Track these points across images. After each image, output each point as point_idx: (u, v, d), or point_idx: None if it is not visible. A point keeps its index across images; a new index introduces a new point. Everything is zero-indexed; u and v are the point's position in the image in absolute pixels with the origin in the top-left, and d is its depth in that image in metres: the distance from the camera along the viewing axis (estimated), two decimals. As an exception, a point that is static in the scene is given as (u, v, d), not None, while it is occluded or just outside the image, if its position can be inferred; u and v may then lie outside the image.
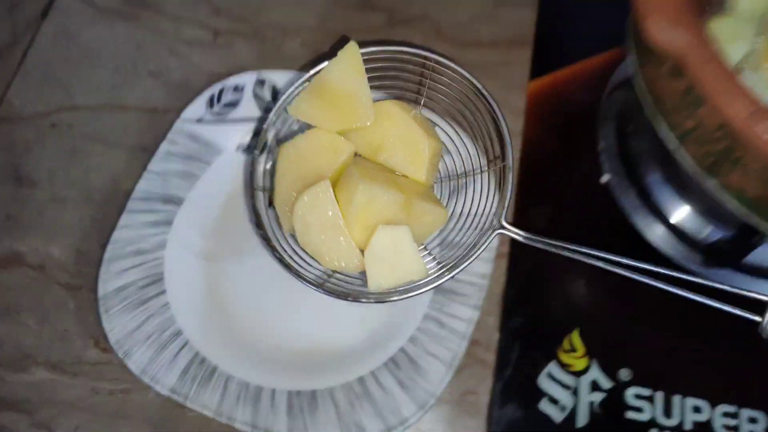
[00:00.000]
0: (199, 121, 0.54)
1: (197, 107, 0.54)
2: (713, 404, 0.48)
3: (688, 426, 0.47)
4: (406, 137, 0.45)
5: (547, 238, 0.46)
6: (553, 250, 0.45)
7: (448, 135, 0.51)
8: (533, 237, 0.46)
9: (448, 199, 0.50)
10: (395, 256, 0.42)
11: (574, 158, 0.57)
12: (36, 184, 0.55)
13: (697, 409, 0.48)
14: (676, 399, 0.48)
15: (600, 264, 0.44)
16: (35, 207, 0.54)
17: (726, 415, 0.48)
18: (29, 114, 0.57)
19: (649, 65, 0.41)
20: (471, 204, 0.49)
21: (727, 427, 0.47)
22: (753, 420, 0.48)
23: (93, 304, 0.50)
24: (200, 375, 0.47)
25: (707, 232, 0.53)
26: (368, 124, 0.45)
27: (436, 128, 0.50)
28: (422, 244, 0.49)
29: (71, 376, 0.49)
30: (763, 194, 0.38)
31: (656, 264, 0.42)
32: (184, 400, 0.46)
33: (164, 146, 0.52)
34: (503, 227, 0.46)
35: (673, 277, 0.43)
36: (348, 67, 0.45)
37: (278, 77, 0.54)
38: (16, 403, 0.48)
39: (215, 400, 0.46)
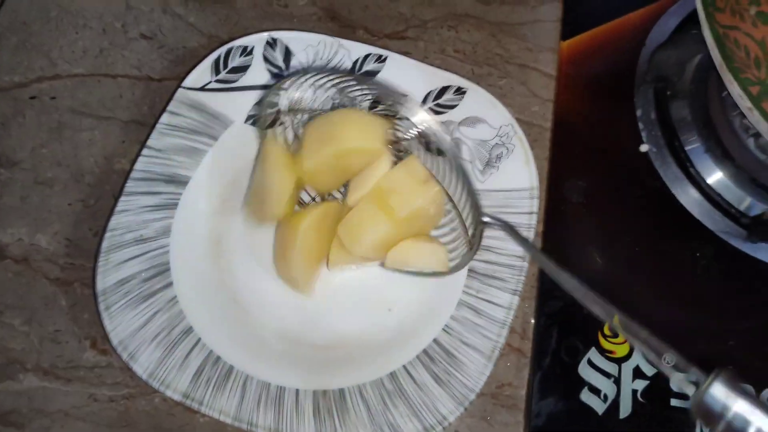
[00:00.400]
0: (204, 88, 0.48)
1: (201, 73, 0.48)
2: (759, 389, 0.45)
3: (736, 412, 0.44)
4: (341, 161, 0.45)
5: (523, 239, 0.43)
6: (528, 252, 0.44)
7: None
8: (515, 232, 0.44)
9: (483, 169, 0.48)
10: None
11: (611, 126, 0.53)
12: (17, 164, 0.49)
13: (744, 395, 0.45)
14: (723, 384, 0.45)
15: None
16: (17, 191, 0.49)
17: (774, 399, 0.45)
18: (5, 85, 0.51)
19: (724, 12, 0.37)
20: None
21: (776, 412, 0.45)
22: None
23: (88, 300, 0.45)
24: (215, 377, 0.42)
25: (747, 203, 0.50)
26: (281, 216, 0.45)
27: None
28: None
29: (65, 382, 0.44)
30: None
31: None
32: (199, 405, 0.41)
33: (165, 118, 0.47)
34: (484, 222, 0.44)
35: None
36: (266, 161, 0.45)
37: (291, 38, 0.49)
38: (4, 415, 0.43)
39: (233, 404, 0.42)
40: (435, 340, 0.44)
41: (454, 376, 0.43)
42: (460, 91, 0.49)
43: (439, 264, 0.45)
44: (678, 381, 0.36)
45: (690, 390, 0.35)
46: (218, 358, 0.43)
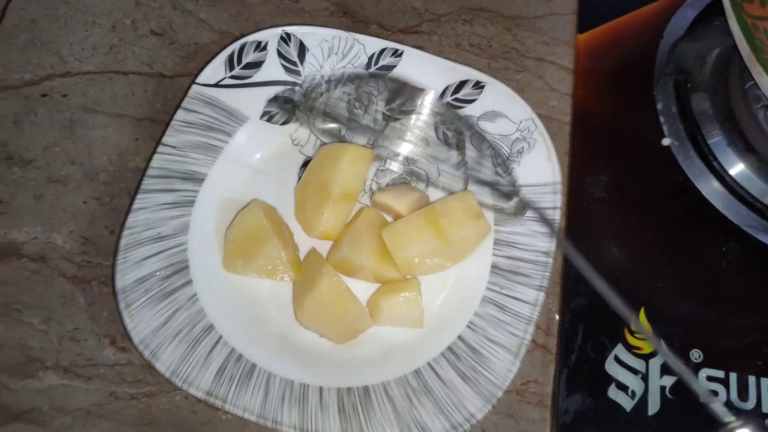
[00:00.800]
0: (218, 84, 0.50)
1: (215, 69, 0.50)
2: (787, 383, 0.47)
3: (765, 408, 0.47)
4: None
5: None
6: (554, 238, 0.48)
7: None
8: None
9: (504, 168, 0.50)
10: None
11: (632, 119, 0.55)
12: (30, 163, 0.51)
13: (773, 390, 0.47)
14: (751, 380, 0.47)
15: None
16: (31, 189, 0.50)
17: (804, 394, 0.47)
18: (15, 83, 0.53)
19: (753, 2, 0.39)
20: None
21: (806, 408, 0.46)
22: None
23: (106, 298, 0.47)
24: (238, 374, 0.44)
25: (772, 196, 0.52)
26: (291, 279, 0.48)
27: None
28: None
29: (86, 380, 0.46)
30: None
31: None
32: (222, 403, 0.43)
33: (179, 115, 0.49)
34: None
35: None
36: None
37: (305, 32, 0.51)
38: (25, 413, 0.45)
39: (257, 402, 0.43)
40: (460, 337, 0.46)
41: (481, 373, 0.45)
42: (478, 86, 0.51)
43: (412, 321, 0.47)
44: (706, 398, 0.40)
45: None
46: (240, 355, 0.45)
